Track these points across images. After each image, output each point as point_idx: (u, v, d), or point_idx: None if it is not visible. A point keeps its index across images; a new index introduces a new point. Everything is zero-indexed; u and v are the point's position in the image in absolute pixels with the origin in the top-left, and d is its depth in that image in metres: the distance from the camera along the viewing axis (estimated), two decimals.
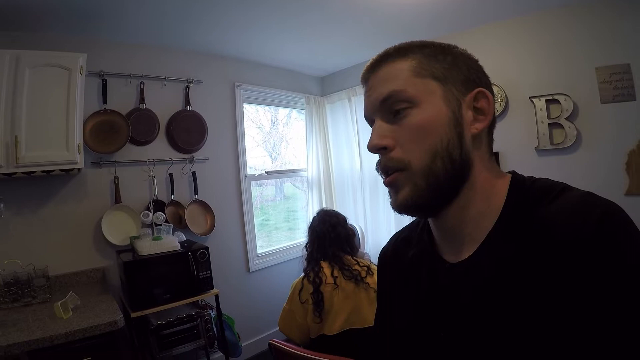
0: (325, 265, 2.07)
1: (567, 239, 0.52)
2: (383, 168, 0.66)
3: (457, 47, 0.70)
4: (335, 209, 2.58)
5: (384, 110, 0.66)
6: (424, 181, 0.62)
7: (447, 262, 0.69)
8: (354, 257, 2.14)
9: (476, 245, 0.64)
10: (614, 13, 2.76)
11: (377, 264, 0.93)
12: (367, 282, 2.01)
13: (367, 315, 1.95)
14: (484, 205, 0.64)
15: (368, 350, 0.92)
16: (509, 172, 0.69)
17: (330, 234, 2.17)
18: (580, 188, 0.60)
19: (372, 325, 1.89)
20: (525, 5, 2.97)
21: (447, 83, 0.65)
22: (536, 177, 0.66)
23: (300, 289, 2.05)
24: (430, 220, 0.73)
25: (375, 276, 1.98)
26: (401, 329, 0.75)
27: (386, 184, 0.67)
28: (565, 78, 2.94)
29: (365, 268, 2.06)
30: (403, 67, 0.66)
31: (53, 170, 2.31)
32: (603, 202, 0.54)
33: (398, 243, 0.86)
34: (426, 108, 0.63)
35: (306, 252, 2.24)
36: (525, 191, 0.63)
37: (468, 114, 0.65)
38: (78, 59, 2.31)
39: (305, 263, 2.21)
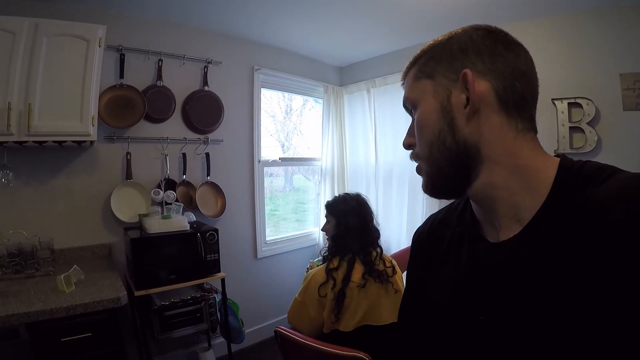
0: (351, 261, 1.96)
1: (619, 222, 0.49)
2: (415, 161, 0.75)
3: (457, 33, 0.70)
4: None
5: (410, 113, 0.76)
6: (430, 168, 0.70)
7: (489, 242, 0.68)
8: (376, 251, 2.04)
9: (521, 225, 0.62)
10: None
11: (411, 245, 0.92)
12: (391, 282, 1.95)
13: (383, 313, 1.90)
14: (518, 183, 0.63)
15: (394, 335, 0.91)
16: (558, 155, 0.66)
17: (364, 231, 2.05)
18: None
19: (387, 323, 1.88)
20: (556, 5, 2.87)
21: (437, 76, 0.68)
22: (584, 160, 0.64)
23: (322, 282, 1.93)
24: (470, 201, 0.76)
25: (398, 274, 1.99)
26: (436, 312, 0.74)
27: (417, 171, 0.75)
28: (589, 82, 2.86)
29: (391, 267, 2.00)
30: (410, 75, 0.74)
31: (65, 142, 2.29)
32: None
33: (435, 224, 0.86)
34: (421, 107, 0.70)
35: (335, 236, 2.09)
36: (575, 172, 0.61)
37: (461, 98, 0.65)
38: (97, 31, 2.27)
39: (327, 251, 2.09)
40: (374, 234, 2.09)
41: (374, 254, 2.01)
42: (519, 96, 0.64)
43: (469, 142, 0.65)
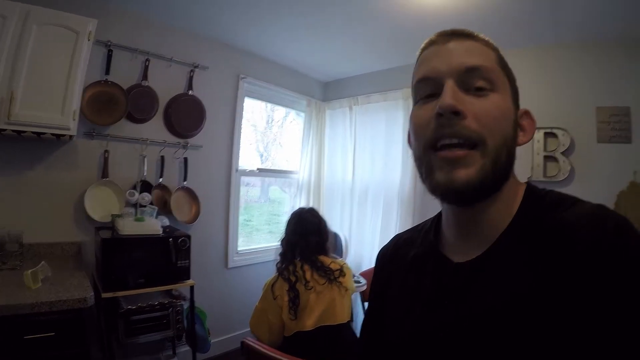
0: (299, 264, 2.12)
1: (584, 244, 0.53)
2: (452, 134, 0.60)
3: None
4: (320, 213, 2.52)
5: (465, 78, 0.62)
6: (490, 164, 0.60)
7: (452, 261, 0.68)
8: (329, 256, 2.23)
9: (486, 245, 0.64)
10: (623, 55, 2.82)
11: (375, 262, 0.92)
12: (340, 282, 2.11)
13: (339, 313, 2.06)
14: (503, 206, 0.65)
15: (358, 351, 0.90)
16: (524, 182, 0.70)
17: (302, 244, 2.19)
18: None
19: (344, 322, 2.01)
20: (538, 36, 3.00)
21: (513, 87, 0.68)
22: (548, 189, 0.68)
23: (273, 282, 2.09)
24: (453, 212, 0.70)
25: (347, 276, 2.14)
26: (397, 329, 0.74)
27: (453, 156, 0.60)
28: (566, 113, 2.99)
29: (339, 268, 2.15)
30: (491, 53, 0.67)
31: (44, 133, 2.22)
32: (617, 214, 0.56)
33: (399, 243, 0.86)
34: (504, 97, 0.64)
35: (280, 249, 2.27)
36: (540, 198, 0.65)
37: (520, 123, 0.68)
38: (88, 24, 2.23)
39: (279, 258, 2.23)
40: (312, 247, 2.20)
41: (323, 258, 2.17)
42: None
43: (514, 162, 0.66)
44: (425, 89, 0.66)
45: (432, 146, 0.62)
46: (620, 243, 0.51)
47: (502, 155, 0.61)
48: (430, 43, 0.69)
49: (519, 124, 0.67)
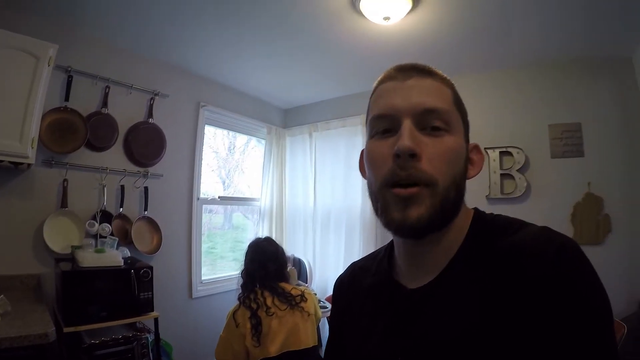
0: (259, 291, 2.13)
1: (529, 267, 0.56)
2: (408, 177, 0.62)
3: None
4: (284, 242, 2.54)
5: (422, 119, 0.64)
6: (440, 203, 0.62)
7: (406, 288, 0.70)
8: (289, 283, 2.28)
9: (437, 271, 0.66)
10: (570, 76, 3.08)
11: (332, 291, 0.94)
12: (301, 307, 2.13)
13: (303, 337, 2.08)
14: (453, 235, 0.68)
15: None
16: (473, 208, 0.73)
17: (260, 272, 2.21)
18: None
19: (309, 346, 2.04)
20: (496, 62, 3.21)
21: (465, 123, 0.71)
22: (495, 214, 0.72)
23: (235, 310, 2.08)
24: (403, 244, 0.72)
25: (309, 301, 2.17)
26: (358, 355, 0.75)
27: (406, 194, 0.62)
28: (520, 133, 3.19)
29: (300, 294, 2.18)
30: (447, 93, 0.69)
31: (2, 161, 2.12)
32: (560, 235, 0.59)
33: (356, 271, 0.89)
34: (457, 138, 0.67)
35: (241, 279, 2.29)
36: (487, 224, 0.68)
37: (470, 158, 0.72)
38: (49, 49, 2.19)
39: (240, 289, 2.23)
40: (271, 274, 2.23)
41: (283, 285, 2.20)
42: None
43: (464, 196, 0.69)
44: (383, 124, 0.67)
45: (388, 184, 0.64)
46: (564, 264, 0.54)
47: (450, 193, 0.63)
48: (389, 78, 0.70)
49: (469, 158, 0.71)
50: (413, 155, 0.61)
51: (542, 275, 0.54)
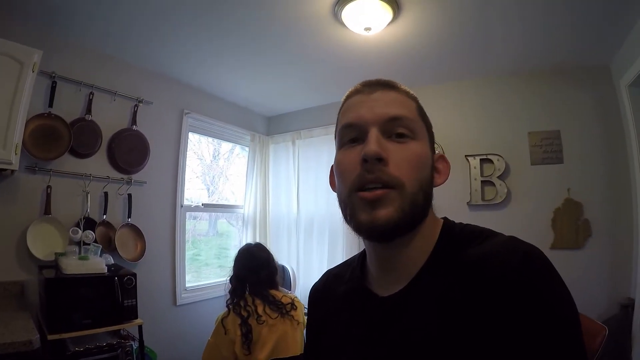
0: (250, 299, 2.14)
1: (495, 276, 0.57)
2: (376, 179, 0.65)
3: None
4: (268, 249, 2.56)
5: (387, 127, 0.68)
6: (408, 206, 0.65)
7: (378, 296, 0.73)
8: (280, 290, 2.29)
9: (407, 280, 0.69)
10: (550, 84, 3.16)
11: (308, 300, 0.96)
12: (292, 315, 2.15)
13: (292, 346, 2.09)
14: (422, 243, 0.70)
15: None
16: (442, 218, 0.76)
17: (252, 278, 2.23)
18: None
19: (296, 354, 2.03)
20: (477, 70, 3.29)
21: (430, 134, 0.76)
22: (465, 223, 0.74)
23: (224, 317, 2.09)
24: (375, 249, 0.75)
25: (299, 310, 2.18)
26: None
27: (372, 197, 0.65)
28: (500, 140, 3.26)
29: (290, 302, 2.19)
30: (411, 104, 0.74)
31: None
32: (525, 244, 0.61)
33: (330, 279, 0.91)
34: (422, 145, 0.71)
35: (230, 285, 2.29)
36: (455, 234, 0.70)
37: (436, 167, 0.76)
38: (33, 55, 2.18)
39: (228, 295, 2.24)
40: (263, 280, 2.25)
41: (274, 292, 2.21)
42: None
43: (431, 202, 0.72)
44: (350, 134, 0.71)
45: (357, 189, 0.66)
46: (528, 273, 0.55)
47: (419, 197, 0.67)
48: (356, 92, 0.75)
49: (435, 167, 0.74)
50: (380, 160, 0.64)
51: (508, 284, 0.55)
